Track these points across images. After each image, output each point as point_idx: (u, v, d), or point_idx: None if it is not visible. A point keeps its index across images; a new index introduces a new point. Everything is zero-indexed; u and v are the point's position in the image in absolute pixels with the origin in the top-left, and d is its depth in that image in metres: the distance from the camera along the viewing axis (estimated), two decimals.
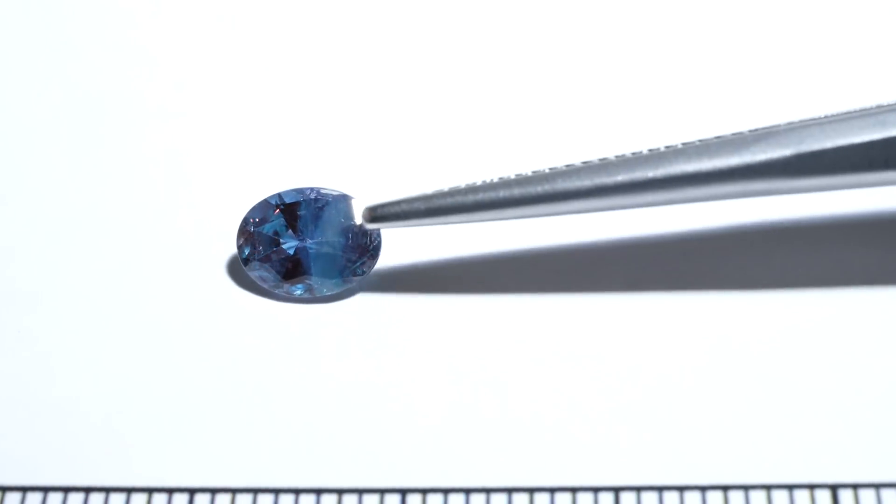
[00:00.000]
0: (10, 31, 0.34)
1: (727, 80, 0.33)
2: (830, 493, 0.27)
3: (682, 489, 0.27)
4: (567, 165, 0.28)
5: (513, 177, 0.28)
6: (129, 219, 0.31)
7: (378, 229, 0.29)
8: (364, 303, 0.30)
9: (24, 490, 0.27)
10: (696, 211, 0.31)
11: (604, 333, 0.29)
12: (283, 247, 0.29)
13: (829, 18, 0.34)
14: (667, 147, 0.28)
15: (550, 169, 0.28)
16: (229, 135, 0.32)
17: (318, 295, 0.29)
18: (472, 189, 0.28)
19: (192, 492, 0.27)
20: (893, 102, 0.28)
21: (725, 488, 0.27)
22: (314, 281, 0.29)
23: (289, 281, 0.29)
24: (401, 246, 0.30)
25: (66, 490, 0.27)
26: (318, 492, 0.27)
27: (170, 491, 0.27)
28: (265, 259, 0.29)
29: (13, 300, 0.30)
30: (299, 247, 0.29)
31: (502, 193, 0.28)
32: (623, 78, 0.33)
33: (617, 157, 0.28)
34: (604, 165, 0.28)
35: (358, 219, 0.29)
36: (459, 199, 0.28)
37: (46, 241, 0.30)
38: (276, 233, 0.29)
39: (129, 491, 0.27)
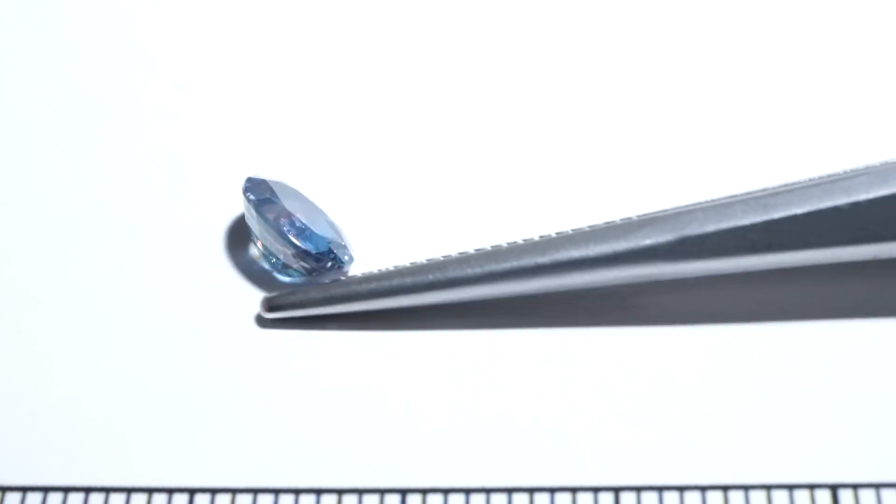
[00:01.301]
0: (10, 31, 0.34)
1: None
2: (830, 493, 0.27)
3: (682, 489, 0.27)
4: (460, 253, 0.29)
5: (406, 265, 0.29)
6: (128, 219, 0.31)
7: (276, 315, 0.29)
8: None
9: (24, 490, 0.27)
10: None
11: (604, 333, 0.29)
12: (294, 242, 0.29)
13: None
14: (558, 234, 0.29)
15: (444, 257, 0.29)
16: (229, 135, 0.32)
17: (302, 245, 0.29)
18: (367, 279, 0.29)
19: (192, 492, 0.27)
20: (776, 186, 0.29)
21: (725, 488, 0.27)
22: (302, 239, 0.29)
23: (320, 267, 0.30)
24: (400, 245, 0.30)
25: (66, 490, 0.27)
26: (318, 492, 0.27)
27: (170, 491, 0.27)
28: (297, 256, 0.29)
29: (13, 300, 0.30)
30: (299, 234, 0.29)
31: (395, 282, 0.29)
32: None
33: (509, 244, 0.29)
34: (494, 253, 0.29)
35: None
36: (353, 289, 0.29)
37: (46, 241, 0.31)
38: (278, 230, 0.29)
39: (129, 491, 0.27)
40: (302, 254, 0.29)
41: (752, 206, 0.28)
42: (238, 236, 0.30)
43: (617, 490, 0.27)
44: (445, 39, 0.34)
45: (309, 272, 0.29)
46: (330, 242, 0.29)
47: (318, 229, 0.29)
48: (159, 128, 0.32)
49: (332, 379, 0.28)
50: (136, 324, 0.29)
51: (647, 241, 0.28)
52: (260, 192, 0.30)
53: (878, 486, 0.27)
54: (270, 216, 0.29)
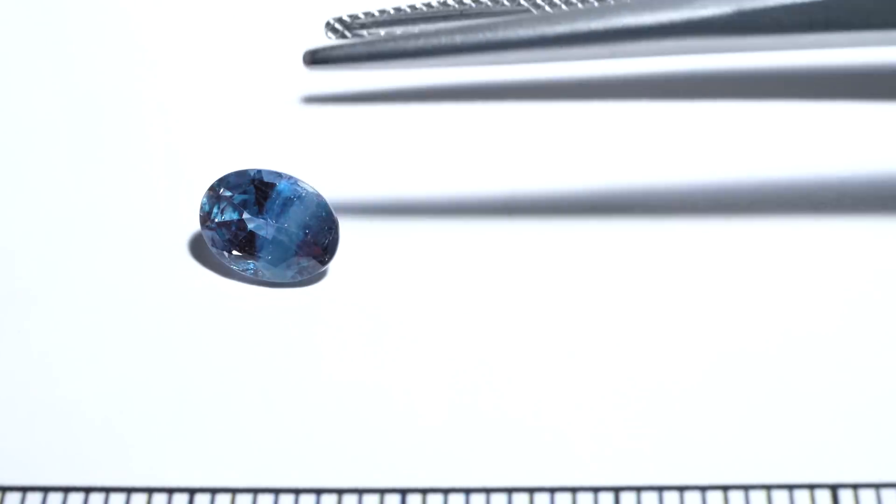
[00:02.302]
0: (10, 31, 0.34)
1: None
2: (830, 493, 0.27)
3: (682, 489, 0.27)
4: (510, 14, 0.28)
5: (456, 25, 0.28)
6: (128, 218, 0.31)
7: (322, 70, 0.28)
8: (364, 302, 0.30)
9: (24, 490, 0.27)
10: (697, 209, 0.31)
11: (604, 334, 0.29)
12: (244, 219, 0.29)
13: None
14: (609, 1, 0.28)
15: (492, 19, 0.28)
16: (229, 135, 0.32)
17: (261, 278, 0.29)
18: (414, 35, 0.28)
19: (192, 492, 0.27)
20: None
21: (725, 488, 0.27)
22: (261, 264, 0.29)
23: (236, 253, 0.29)
24: (399, 244, 0.30)
25: (66, 490, 0.27)
26: (318, 492, 0.27)
27: (170, 491, 0.27)
28: (223, 224, 0.29)
29: (13, 300, 0.30)
30: (259, 226, 0.29)
31: (444, 40, 0.28)
32: None
33: (564, 4, 0.28)
34: (547, 16, 0.28)
35: (323, 225, 0.29)
36: (401, 45, 0.28)
37: (46, 241, 0.31)
38: (243, 203, 0.29)
39: (129, 491, 0.27)
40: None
41: None
42: None
43: (617, 490, 0.27)
44: None
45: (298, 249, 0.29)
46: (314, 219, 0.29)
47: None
48: (159, 128, 0.32)
49: (333, 379, 0.28)
50: (136, 324, 0.29)
51: (704, 12, 0.27)
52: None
53: (878, 486, 0.27)
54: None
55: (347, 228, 0.30)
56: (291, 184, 0.29)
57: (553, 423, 0.28)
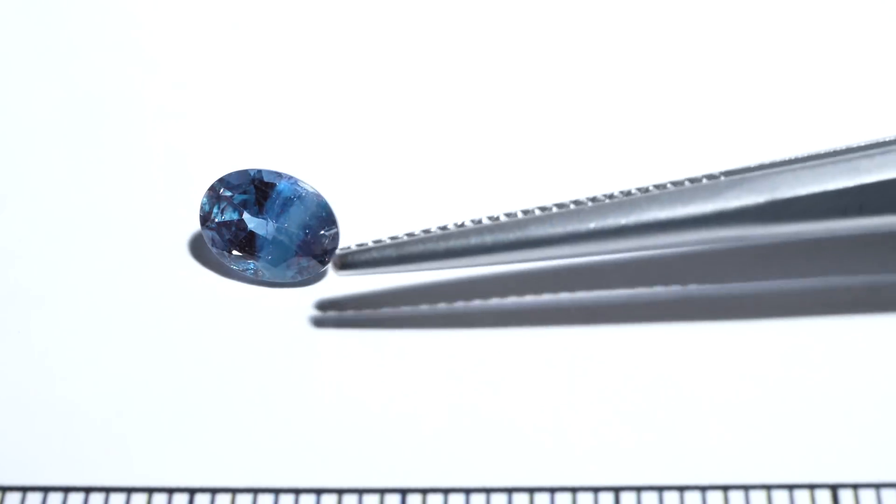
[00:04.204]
0: (10, 31, 0.34)
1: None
2: (830, 493, 0.27)
3: (682, 489, 0.27)
4: (541, 209, 0.28)
5: (485, 222, 0.28)
6: (128, 218, 0.31)
7: (348, 274, 0.28)
8: (364, 300, 0.30)
9: (24, 490, 0.27)
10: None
11: (604, 333, 0.29)
12: (244, 219, 0.29)
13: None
14: (641, 191, 0.28)
15: (524, 213, 0.28)
16: (229, 135, 0.32)
17: (261, 279, 0.29)
18: (444, 236, 0.28)
19: (192, 492, 0.27)
20: (864, 144, 0.28)
21: (725, 488, 0.27)
22: (261, 264, 0.29)
23: (236, 253, 0.29)
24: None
25: (66, 490, 0.27)
26: (318, 492, 0.27)
27: (170, 491, 0.27)
28: (223, 224, 0.29)
29: (13, 300, 0.30)
30: (259, 226, 0.29)
31: (473, 241, 0.28)
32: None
33: (591, 201, 0.28)
34: (576, 212, 0.28)
35: (323, 225, 0.29)
36: (431, 247, 0.28)
37: (46, 241, 0.31)
38: (243, 203, 0.29)
39: (129, 491, 0.27)
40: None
41: (844, 169, 0.27)
42: None
43: (617, 490, 0.27)
44: (433, 32, 0.34)
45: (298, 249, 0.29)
46: (315, 217, 0.29)
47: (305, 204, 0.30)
48: (159, 128, 0.32)
49: (333, 379, 0.28)
50: (136, 324, 0.29)
51: (736, 203, 0.27)
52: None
53: (878, 486, 0.27)
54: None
55: (347, 228, 0.30)
56: (291, 184, 0.29)
57: (553, 423, 0.28)
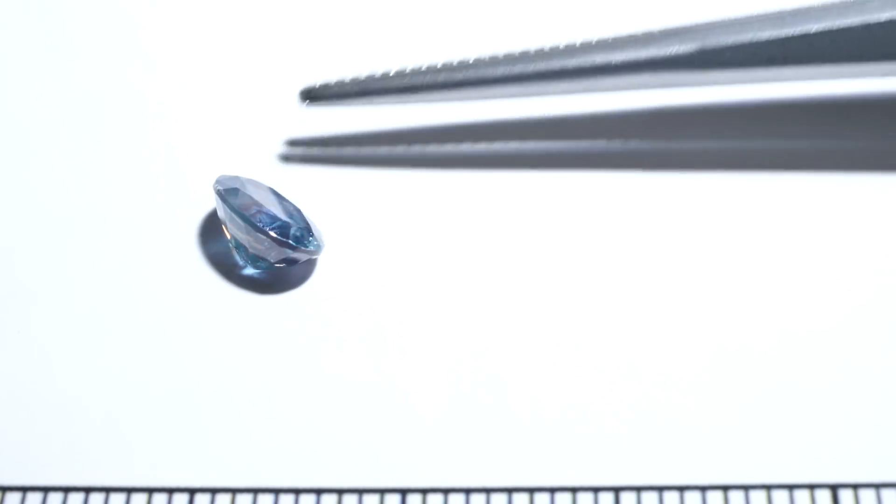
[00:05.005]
0: (10, 31, 0.34)
1: None
2: (830, 493, 0.27)
3: (682, 489, 0.27)
4: (491, 56, 0.31)
5: (439, 64, 0.31)
6: (128, 218, 0.31)
7: (318, 106, 0.31)
8: (364, 301, 0.30)
9: (24, 490, 0.27)
10: (695, 208, 0.31)
11: (604, 333, 0.29)
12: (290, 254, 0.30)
13: None
14: (583, 41, 0.30)
15: (475, 58, 0.31)
16: (229, 135, 0.32)
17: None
18: (401, 74, 0.31)
19: (192, 492, 0.27)
20: (794, 6, 0.30)
21: (725, 488, 0.27)
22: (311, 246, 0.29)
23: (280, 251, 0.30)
24: (399, 243, 0.30)
25: (66, 490, 0.27)
26: (318, 492, 0.27)
27: (170, 491, 0.27)
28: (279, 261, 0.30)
29: (13, 301, 0.30)
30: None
31: (428, 78, 0.31)
32: None
33: (536, 49, 0.30)
34: (524, 55, 0.30)
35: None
36: (389, 83, 0.31)
37: (46, 240, 0.31)
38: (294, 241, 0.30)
39: (129, 491, 0.27)
40: (268, 237, 0.29)
41: (770, 22, 0.30)
42: None
43: (617, 490, 0.27)
44: (428, 36, 0.34)
45: (279, 261, 0.29)
46: (297, 228, 0.29)
47: (286, 216, 0.29)
48: (159, 128, 0.32)
49: (333, 379, 0.28)
50: (136, 323, 0.29)
51: (670, 50, 0.30)
52: (229, 184, 0.30)
53: (878, 486, 0.27)
54: (237, 205, 0.29)
55: (347, 228, 0.30)
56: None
57: (553, 422, 0.28)
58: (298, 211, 0.30)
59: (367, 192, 0.31)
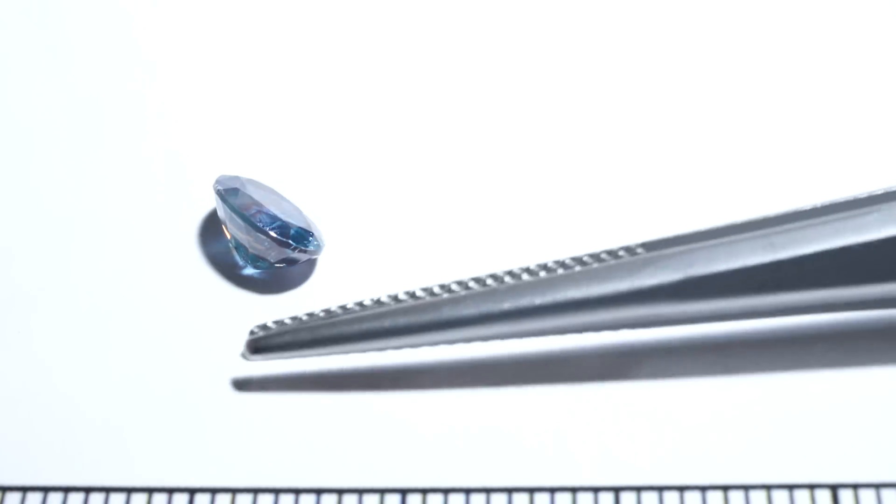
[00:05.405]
0: (10, 31, 0.34)
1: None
2: (830, 493, 0.27)
3: (682, 489, 0.27)
4: (458, 284, 0.27)
5: (398, 303, 0.27)
6: (128, 218, 0.31)
7: (260, 359, 0.28)
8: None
9: (24, 490, 0.27)
10: (696, 208, 0.31)
11: (603, 333, 0.29)
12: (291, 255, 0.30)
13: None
14: (557, 268, 0.27)
15: (435, 295, 0.27)
16: (229, 135, 0.32)
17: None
18: (358, 319, 0.27)
19: (192, 492, 0.27)
20: (779, 215, 0.28)
21: (725, 488, 0.27)
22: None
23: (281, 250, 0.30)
24: (399, 243, 0.30)
25: (66, 490, 0.27)
26: (318, 492, 0.27)
27: (170, 491, 0.27)
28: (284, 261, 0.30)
29: (13, 301, 0.30)
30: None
31: (388, 323, 0.27)
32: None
33: (509, 276, 0.27)
34: (490, 292, 0.27)
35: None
36: (343, 330, 0.27)
37: (46, 241, 0.31)
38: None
39: (129, 491, 0.27)
40: (268, 237, 0.29)
41: (760, 245, 0.27)
42: None
43: (617, 490, 0.27)
44: (425, 38, 0.34)
45: (279, 261, 0.29)
46: (297, 228, 0.29)
47: (286, 216, 0.29)
48: (159, 128, 0.32)
49: (332, 378, 0.28)
50: (136, 324, 0.29)
51: (652, 281, 0.27)
52: (229, 184, 0.30)
53: (878, 486, 0.27)
54: (237, 205, 0.29)
55: (347, 228, 0.30)
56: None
57: (553, 423, 0.28)
58: (298, 211, 0.30)
59: (367, 192, 0.31)
